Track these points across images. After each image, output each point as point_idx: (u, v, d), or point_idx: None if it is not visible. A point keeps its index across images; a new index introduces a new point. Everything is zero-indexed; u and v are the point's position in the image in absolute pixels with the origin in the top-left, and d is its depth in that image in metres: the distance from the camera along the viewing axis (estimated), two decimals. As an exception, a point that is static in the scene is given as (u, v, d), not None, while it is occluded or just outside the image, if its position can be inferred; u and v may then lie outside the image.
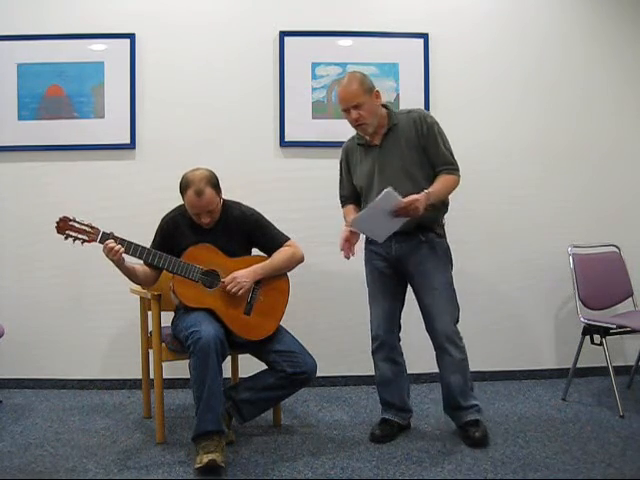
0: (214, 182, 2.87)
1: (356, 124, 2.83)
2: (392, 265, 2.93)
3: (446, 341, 2.85)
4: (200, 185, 2.81)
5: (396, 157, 2.84)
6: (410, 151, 2.83)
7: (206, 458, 2.52)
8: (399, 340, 3.04)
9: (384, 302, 2.98)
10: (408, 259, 2.88)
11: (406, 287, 3.00)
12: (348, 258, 2.85)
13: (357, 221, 2.74)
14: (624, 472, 2.57)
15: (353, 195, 3.03)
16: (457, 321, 2.90)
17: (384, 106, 2.90)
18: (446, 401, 2.95)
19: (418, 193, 2.69)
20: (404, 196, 2.65)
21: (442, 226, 2.95)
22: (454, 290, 2.91)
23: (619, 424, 3.10)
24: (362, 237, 3.00)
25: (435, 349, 2.91)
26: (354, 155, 2.99)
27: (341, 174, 3.08)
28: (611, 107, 3.98)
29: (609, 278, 3.66)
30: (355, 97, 2.78)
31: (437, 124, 2.86)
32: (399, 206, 2.64)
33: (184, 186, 2.85)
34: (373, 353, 3.03)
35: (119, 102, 3.75)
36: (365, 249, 3.03)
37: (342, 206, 3.09)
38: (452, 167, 2.85)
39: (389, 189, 2.61)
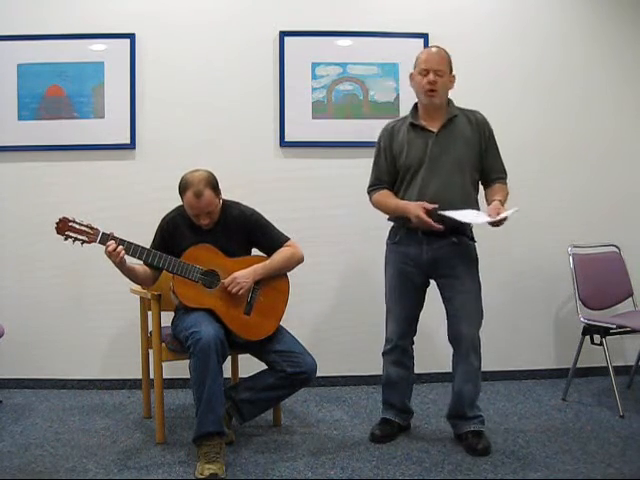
0: (213, 183, 2.87)
1: (430, 87, 2.75)
2: (422, 269, 2.85)
3: (470, 348, 2.80)
4: (199, 187, 2.81)
5: (453, 149, 2.78)
6: (468, 148, 2.80)
7: (207, 471, 2.51)
8: (412, 344, 3.00)
9: (404, 308, 2.92)
10: (440, 261, 2.82)
11: (426, 293, 2.94)
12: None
13: (446, 214, 2.68)
14: (624, 472, 2.57)
15: (389, 182, 2.90)
16: (480, 327, 2.85)
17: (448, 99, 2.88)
18: (453, 409, 2.89)
19: (464, 190, 2.77)
20: (454, 190, 2.72)
21: (472, 230, 2.91)
22: (481, 296, 2.87)
23: (619, 424, 3.10)
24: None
25: (456, 354, 2.85)
26: (399, 135, 2.87)
27: (380, 156, 2.92)
28: (610, 107, 3.99)
29: (609, 278, 3.66)
30: (442, 63, 2.78)
31: (493, 131, 2.88)
32: (494, 218, 2.67)
33: (183, 187, 2.85)
34: (384, 354, 2.99)
35: (119, 102, 3.75)
36: (390, 248, 2.95)
37: (374, 190, 2.94)
38: (505, 176, 2.89)
39: (517, 209, 2.69)
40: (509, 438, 2.95)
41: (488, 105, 3.88)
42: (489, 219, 2.69)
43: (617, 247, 3.77)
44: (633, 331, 3.32)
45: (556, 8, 3.97)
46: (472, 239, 2.90)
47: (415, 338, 3.06)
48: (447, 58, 2.82)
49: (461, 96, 3.86)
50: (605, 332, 3.29)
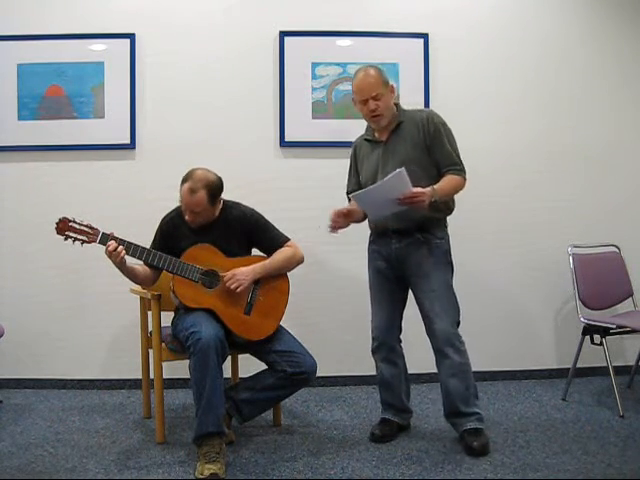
0: (212, 189, 2.86)
1: (372, 115, 2.81)
2: (392, 266, 2.93)
3: (445, 344, 2.81)
4: (197, 184, 2.82)
5: (399, 154, 2.83)
6: (414, 149, 2.82)
7: (207, 470, 2.51)
8: (400, 342, 3.02)
9: (384, 303, 2.98)
10: (407, 260, 2.87)
11: (407, 289, 2.98)
12: (333, 232, 2.85)
13: (361, 195, 2.72)
14: (624, 472, 2.57)
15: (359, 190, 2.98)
16: (458, 324, 2.86)
17: (394, 103, 2.91)
18: (446, 407, 2.89)
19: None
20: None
21: (444, 228, 2.93)
22: (454, 292, 2.88)
23: (619, 424, 3.10)
24: (365, 236, 3.00)
25: (434, 352, 2.87)
26: (361, 151, 3.00)
27: (350, 171, 3.08)
28: (611, 107, 3.99)
29: (609, 278, 3.66)
30: (375, 88, 2.79)
31: (445, 125, 2.86)
32: (406, 193, 2.62)
33: (184, 178, 2.87)
34: (373, 353, 3.03)
35: (119, 102, 3.75)
36: (368, 249, 3.04)
37: (349, 202, 3.04)
38: (458, 167, 2.83)
39: (402, 169, 2.59)
40: (509, 438, 2.95)
41: (488, 105, 3.92)
42: (393, 195, 2.65)
43: (617, 247, 3.77)
44: (633, 331, 3.32)
45: (556, 8, 3.97)
46: (440, 237, 2.88)
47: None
48: (378, 78, 2.81)
49: (461, 96, 3.89)
50: (605, 332, 3.29)
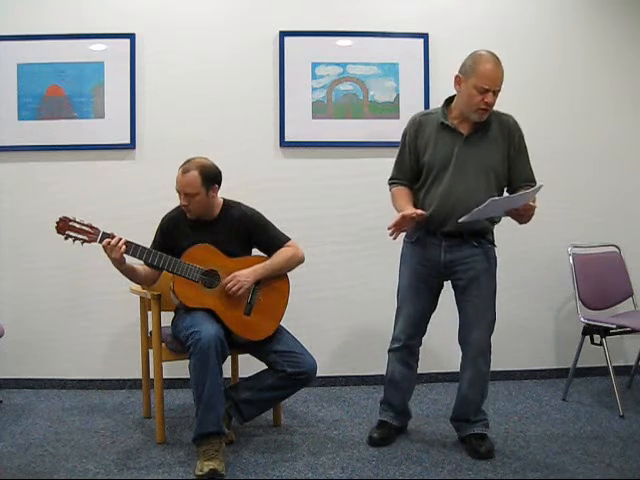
0: (207, 173, 2.86)
1: (486, 107, 2.63)
2: (438, 271, 2.79)
3: (479, 353, 2.76)
4: (191, 166, 2.85)
5: (480, 154, 2.70)
6: (496, 153, 2.72)
7: (207, 467, 2.51)
8: (420, 344, 2.96)
9: (415, 308, 2.86)
10: (458, 263, 2.76)
11: (440, 295, 2.89)
12: (394, 235, 2.63)
13: (498, 200, 2.57)
14: (624, 472, 2.57)
15: (410, 178, 2.83)
16: (491, 333, 2.81)
17: None
18: (457, 412, 2.87)
19: (489, 195, 2.61)
20: (479, 194, 2.61)
21: (493, 233, 2.86)
22: (495, 302, 2.81)
23: (619, 424, 3.10)
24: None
25: (464, 357, 2.81)
26: (426, 130, 2.77)
27: (403, 152, 2.83)
28: (610, 107, 3.99)
29: (609, 278, 3.66)
30: (501, 81, 2.64)
31: (524, 136, 2.79)
32: (526, 206, 2.57)
33: (181, 165, 2.90)
34: (390, 351, 2.95)
35: (119, 102, 3.75)
36: (408, 246, 2.88)
37: (393, 185, 2.87)
38: (534, 184, 2.74)
39: (541, 184, 2.54)
40: (509, 438, 2.95)
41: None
42: (518, 205, 2.58)
43: (617, 247, 3.78)
44: (633, 331, 3.32)
45: (556, 8, 3.97)
46: (492, 243, 2.84)
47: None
48: (503, 72, 2.67)
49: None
50: (605, 332, 3.30)
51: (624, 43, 3.98)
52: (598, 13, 3.98)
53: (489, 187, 2.71)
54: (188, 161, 2.90)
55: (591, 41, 3.97)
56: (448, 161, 2.71)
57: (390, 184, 2.90)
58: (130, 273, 2.85)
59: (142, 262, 2.86)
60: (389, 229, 2.62)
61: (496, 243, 3.63)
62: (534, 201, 2.68)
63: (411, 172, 2.82)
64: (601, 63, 3.98)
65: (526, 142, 2.80)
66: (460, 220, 2.58)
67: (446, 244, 2.76)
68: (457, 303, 2.84)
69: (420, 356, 3.02)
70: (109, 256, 2.73)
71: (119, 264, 2.77)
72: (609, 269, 3.70)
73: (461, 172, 2.70)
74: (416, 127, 2.81)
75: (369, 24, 3.84)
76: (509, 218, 2.76)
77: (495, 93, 2.64)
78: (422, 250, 2.81)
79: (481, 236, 2.78)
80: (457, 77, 2.72)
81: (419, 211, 2.66)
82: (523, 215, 2.65)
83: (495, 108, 2.73)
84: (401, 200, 2.79)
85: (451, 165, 2.71)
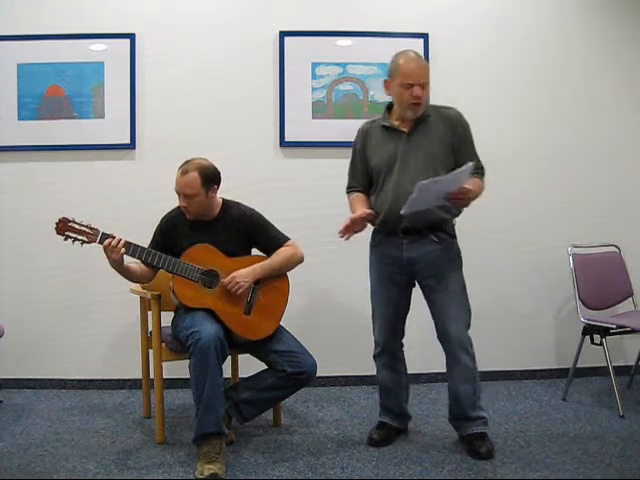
0: (206, 174, 2.86)
1: (415, 101, 2.68)
2: (403, 268, 2.80)
3: (459, 348, 2.76)
4: (190, 167, 2.86)
5: (423, 148, 2.73)
6: (440, 146, 2.74)
7: (207, 471, 2.51)
8: (402, 346, 2.98)
9: (387, 309, 2.89)
10: (420, 261, 2.77)
11: (412, 293, 2.91)
12: (345, 237, 2.71)
13: (427, 184, 2.53)
14: (624, 472, 2.57)
15: (364, 184, 2.88)
16: (469, 327, 2.82)
17: None
18: (453, 411, 2.86)
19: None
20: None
21: (453, 228, 2.86)
22: (467, 294, 2.83)
23: (619, 424, 3.10)
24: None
25: (447, 355, 2.81)
26: (373, 138, 2.84)
27: (354, 160, 2.91)
28: (610, 107, 3.99)
29: (609, 278, 3.66)
30: (426, 75, 2.71)
31: (469, 126, 2.81)
32: (460, 189, 2.55)
33: (181, 165, 2.90)
34: (374, 357, 2.98)
35: (119, 102, 3.75)
36: (372, 250, 2.93)
37: (350, 193, 2.94)
38: (482, 172, 2.78)
39: (471, 164, 2.53)
40: (509, 438, 2.95)
41: (488, 105, 3.92)
42: (451, 188, 2.57)
43: (617, 247, 3.77)
44: (633, 331, 3.32)
45: (556, 7, 3.97)
46: (452, 236, 2.83)
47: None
48: (428, 67, 2.77)
49: (461, 96, 3.88)
50: (605, 332, 3.29)
51: (624, 43, 3.98)
52: (598, 13, 3.98)
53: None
54: (187, 162, 2.90)
55: (591, 41, 3.97)
56: (394, 160, 2.76)
57: (347, 192, 2.96)
58: (126, 272, 2.85)
59: (139, 261, 2.86)
60: (339, 233, 2.70)
61: (495, 243, 3.63)
62: (479, 189, 2.71)
63: (363, 179, 2.88)
64: (601, 63, 3.98)
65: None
66: (402, 212, 2.60)
67: (406, 241, 2.78)
68: (427, 302, 2.84)
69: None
70: (109, 257, 2.73)
71: (117, 264, 2.77)
72: (609, 269, 3.69)
73: (407, 169, 2.73)
74: (363, 136, 2.89)
75: (369, 24, 3.84)
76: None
77: (422, 86, 2.69)
78: (385, 251, 2.85)
79: (440, 230, 2.78)
80: (385, 81, 2.80)
81: (367, 211, 2.73)
82: (461, 199, 2.62)
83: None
84: (356, 205, 2.84)
85: (397, 164, 2.75)
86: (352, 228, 2.71)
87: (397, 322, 2.92)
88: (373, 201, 2.84)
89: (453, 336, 2.76)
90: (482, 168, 2.80)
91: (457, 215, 2.85)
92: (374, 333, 2.96)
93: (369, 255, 2.95)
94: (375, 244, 2.90)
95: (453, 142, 2.76)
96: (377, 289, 2.92)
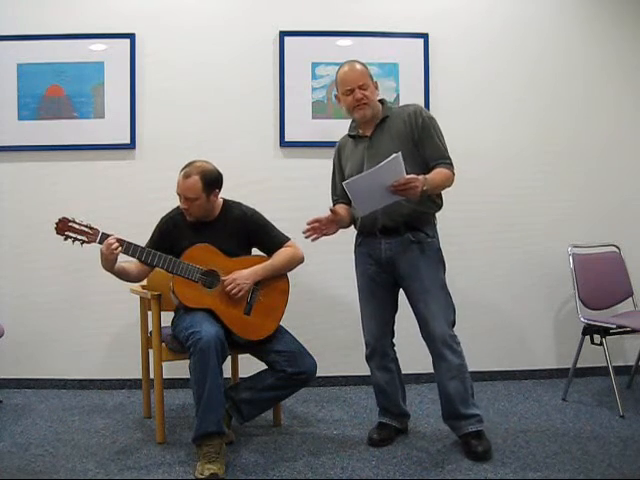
0: (207, 177, 2.86)
1: (358, 104, 2.77)
2: (383, 268, 2.85)
3: (443, 346, 2.76)
4: (192, 170, 2.85)
5: (385, 148, 2.74)
6: (401, 142, 2.75)
7: (207, 471, 2.51)
8: (393, 346, 2.99)
9: (374, 309, 2.92)
10: (398, 261, 2.80)
11: (398, 292, 2.92)
12: (311, 238, 2.77)
13: (353, 182, 2.60)
14: (624, 472, 2.57)
15: (344, 195, 2.89)
16: (454, 324, 2.82)
17: (380, 100, 2.88)
18: (445, 410, 2.85)
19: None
20: None
21: (433, 226, 2.87)
22: (448, 292, 2.83)
23: (619, 424, 3.10)
24: (352, 239, 2.99)
25: (431, 355, 2.82)
26: (345, 149, 2.95)
27: (334, 173, 3.02)
28: (610, 107, 3.99)
29: (609, 278, 3.66)
30: (362, 77, 2.78)
31: (433, 119, 2.82)
32: (400, 180, 2.55)
33: (183, 167, 2.89)
34: (366, 359, 3.00)
35: (119, 102, 3.75)
36: (355, 251, 2.97)
37: (333, 205, 2.97)
38: (447, 161, 2.79)
39: (399, 154, 2.53)
40: (509, 438, 2.95)
41: (488, 105, 3.93)
42: (386, 182, 2.57)
43: (617, 247, 3.77)
44: (633, 331, 3.32)
45: (556, 7, 3.97)
46: (431, 236, 2.83)
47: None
48: (363, 70, 2.82)
49: (461, 96, 3.89)
50: (605, 332, 3.29)
51: (624, 43, 3.98)
52: (598, 13, 3.98)
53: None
54: (189, 164, 2.89)
55: (591, 41, 3.98)
56: (361, 164, 2.82)
57: (333, 202, 3.01)
58: (121, 273, 2.83)
59: (135, 260, 2.85)
60: (304, 232, 2.77)
61: (495, 243, 3.62)
62: (445, 179, 2.73)
63: (343, 190, 2.84)
64: (601, 63, 3.98)
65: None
66: (356, 215, 2.69)
67: (385, 241, 2.82)
68: (409, 302, 2.85)
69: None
70: (107, 257, 2.72)
71: (111, 265, 2.76)
72: (609, 269, 3.69)
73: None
74: (338, 149, 3.01)
75: (369, 24, 3.84)
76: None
77: (361, 88, 2.77)
78: (366, 250, 2.90)
79: (417, 229, 2.80)
80: (335, 96, 2.94)
81: (331, 208, 2.79)
82: (406, 190, 2.60)
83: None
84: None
85: (364, 167, 2.79)
86: (319, 229, 2.77)
87: (385, 322, 2.94)
88: (353, 209, 2.89)
89: (436, 334, 2.77)
90: (448, 158, 2.80)
91: (436, 210, 2.86)
92: (364, 334, 2.98)
93: (354, 257, 2.99)
94: (357, 245, 2.97)
95: (414, 136, 2.78)
96: (363, 290, 2.96)
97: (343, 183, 2.63)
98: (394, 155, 2.53)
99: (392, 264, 2.83)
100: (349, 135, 2.95)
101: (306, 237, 2.78)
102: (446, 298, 2.83)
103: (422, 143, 2.78)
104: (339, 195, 2.98)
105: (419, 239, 2.80)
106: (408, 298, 2.86)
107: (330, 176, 3.05)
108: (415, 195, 2.62)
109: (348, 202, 2.91)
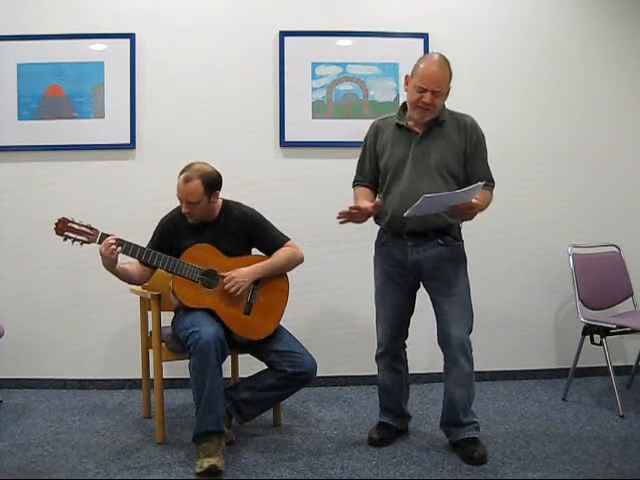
0: (208, 180, 2.85)
1: (425, 107, 2.66)
2: (408, 271, 2.80)
3: (459, 351, 2.73)
4: (192, 174, 2.83)
5: (436, 152, 2.71)
6: (452, 152, 2.72)
7: (207, 463, 2.51)
8: (404, 348, 2.97)
9: (392, 310, 2.87)
10: (426, 263, 2.76)
11: (416, 295, 2.90)
12: (340, 220, 2.69)
13: (434, 197, 2.51)
14: (624, 472, 2.57)
15: (371, 180, 2.88)
16: (471, 331, 2.80)
17: None
18: (446, 416, 2.83)
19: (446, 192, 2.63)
20: (438, 192, 2.58)
21: (459, 230, 2.85)
22: (471, 298, 2.82)
23: (619, 424, 3.10)
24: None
25: (445, 359, 2.79)
26: (385, 134, 2.83)
27: (364, 155, 2.90)
28: (611, 107, 3.99)
29: (609, 278, 3.66)
30: (441, 83, 2.66)
31: (484, 137, 2.79)
32: (467, 203, 2.56)
33: (182, 170, 2.88)
34: (376, 358, 2.97)
35: (119, 102, 3.75)
36: (377, 250, 2.92)
37: (356, 186, 2.93)
38: (492, 184, 2.78)
39: (480, 184, 2.54)
40: (509, 438, 2.95)
41: (488, 105, 3.92)
42: (457, 202, 2.58)
43: (617, 247, 3.77)
44: (633, 331, 3.32)
45: (556, 7, 3.97)
46: (458, 239, 2.84)
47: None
48: (448, 74, 2.70)
49: (461, 96, 3.88)
50: (605, 332, 3.30)
51: (624, 43, 3.98)
52: (598, 13, 3.98)
53: (446, 185, 2.71)
54: (188, 167, 2.88)
55: (591, 41, 3.97)
56: (405, 160, 2.75)
57: (354, 186, 2.95)
58: (122, 274, 2.84)
59: (135, 261, 2.85)
60: (338, 214, 2.67)
61: (495, 243, 3.62)
62: (487, 202, 2.74)
63: (372, 175, 2.87)
64: (601, 63, 3.98)
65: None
66: (404, 215, 2.61)
67: (412, 244, 2.77)
68: (432, 304, 2.83)
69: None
70: (105, 257, 2.72)
71: (112, 266, 2.77)
72: (609, 269, 3.69)
73: (418, 170, 2.72)
74: (375, 131, 2.88)
75: (369, 24, 3.84)
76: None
77: (435, 94, 2.65)
78: (390, 252, 2.84)
79: (446, 233, 2.78)
80: (406, 76, 2.78)
81: (377, 201, 2.73)
82: (465, 212, 2.64)
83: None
84: (361, 198, 2.85)
85: (408, 164, 2.74)
86: (354, 216, 2.69)
87: (401, 324, 2.91)
88: (383, 197, 2.83)
89: (455, 339, 2.74)
90: (493, 180, 2.79)
91: (462, 221, 2.84)
92: (377, 334, 2.94)
93: (374, 255, 2.95)
94: (380, 244, 2.90)
95: (465, 150, 2.75)
96: (382, 291, 2.91)
97: (425, 195, 2.49)
98: (479, 184, 2.55)
99: (418, 267, 2.78)
100: (396, 123, 2.80)
101: (339, 219, 2.69)
102: (469, 304, 2.81)
103: (472, 159, 2.76)
104: (365, 177, 2.90)
105: (447, 242, 2.78)
106: (432, 299, 2.82)
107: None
108: (472, 217, 2.66)
109: (373, 186, 2.88)
